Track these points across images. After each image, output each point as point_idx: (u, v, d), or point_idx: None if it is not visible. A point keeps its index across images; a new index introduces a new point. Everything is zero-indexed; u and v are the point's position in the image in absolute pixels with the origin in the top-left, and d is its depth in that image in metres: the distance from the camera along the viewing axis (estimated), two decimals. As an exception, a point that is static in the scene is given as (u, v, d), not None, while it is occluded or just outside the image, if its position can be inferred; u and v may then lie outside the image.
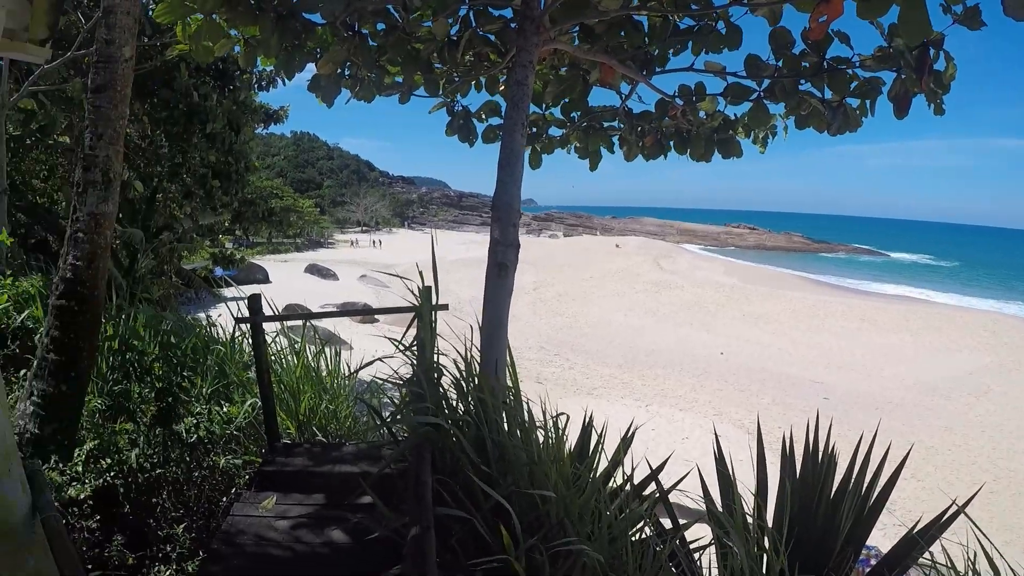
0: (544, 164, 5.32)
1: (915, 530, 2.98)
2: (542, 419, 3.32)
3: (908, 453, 3.19)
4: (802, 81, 3.92)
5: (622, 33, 4.11)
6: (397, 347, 4.04)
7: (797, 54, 3.84)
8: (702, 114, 4.66)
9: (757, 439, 3.44)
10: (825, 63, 3.79)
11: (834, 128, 3.93)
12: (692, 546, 3.30)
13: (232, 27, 4.23)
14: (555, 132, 5.30)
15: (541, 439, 3.26)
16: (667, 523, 3.41)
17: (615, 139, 5.22)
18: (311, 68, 4.44)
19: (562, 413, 3.36)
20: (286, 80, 5.09)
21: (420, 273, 4.12)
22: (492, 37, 4.26)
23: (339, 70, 4.44)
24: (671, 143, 4.94)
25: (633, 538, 2.99)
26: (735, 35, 3.82)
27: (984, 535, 2.17)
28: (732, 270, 58.58)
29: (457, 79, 4.75)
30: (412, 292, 4.17)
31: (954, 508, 2.89)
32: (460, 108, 5.11)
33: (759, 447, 3.38)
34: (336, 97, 4.56)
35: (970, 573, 2.06)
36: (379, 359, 4.15)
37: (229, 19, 4.08)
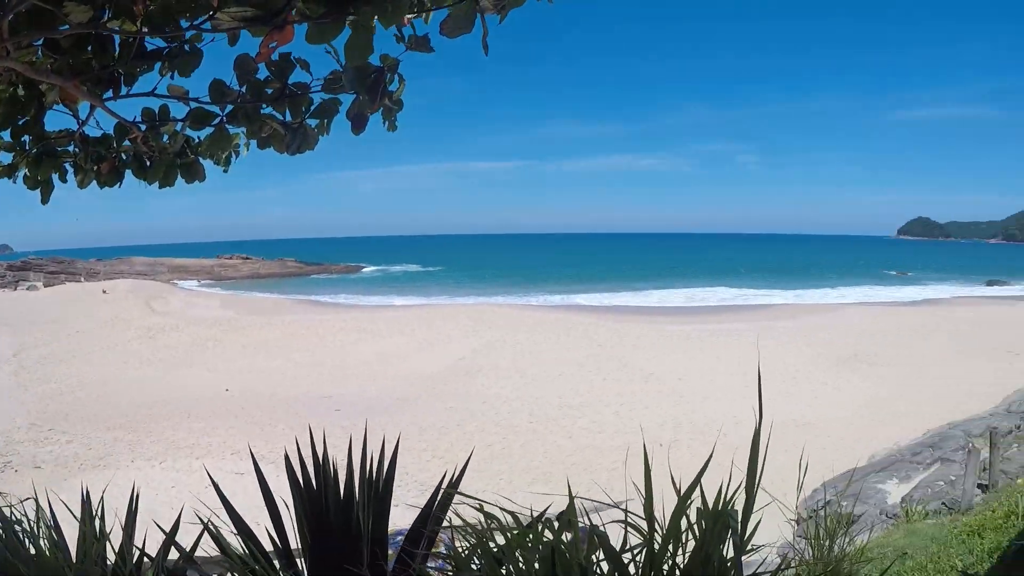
0: (16, 203, 4.46)
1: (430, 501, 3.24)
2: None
3: (398, 439, 3.43)
4: (264, 105, 4.02)
5: (89, 49, 3.68)
6: None
7: (262, 80, 3.92)
8: (165, 138, 4.46)
9: (254, 467, 3.35)
10: (287, 88, 3.94)
11: (293, 148, 4.10)
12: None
13: None
14: (4, 159, 4.51)
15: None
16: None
17: (68, 166, 4.66)
18: None
19: (28, 498, 2.88)
20: None
21: None
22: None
23: None
24: (130, 169, 4.60)
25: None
26: (196, 58, 3.73)
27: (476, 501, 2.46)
28: (228, 303, 57.26)
29: None
30: None
31: (455, 474, 3.21)
32: None
33: (259, 475, 3.29)
34: None
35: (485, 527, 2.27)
36: None
37: None
